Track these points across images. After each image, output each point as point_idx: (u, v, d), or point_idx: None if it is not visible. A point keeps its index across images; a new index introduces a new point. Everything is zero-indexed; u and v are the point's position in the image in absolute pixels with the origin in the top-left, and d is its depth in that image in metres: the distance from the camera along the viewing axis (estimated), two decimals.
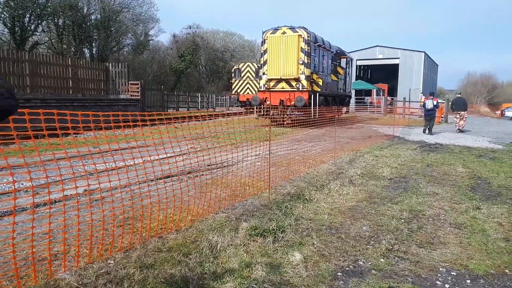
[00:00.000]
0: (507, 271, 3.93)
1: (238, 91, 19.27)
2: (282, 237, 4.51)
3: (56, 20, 35.65)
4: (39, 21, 34.29)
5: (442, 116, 27.44)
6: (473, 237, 4.81)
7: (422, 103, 20.36)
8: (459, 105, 19.68)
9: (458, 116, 19.66)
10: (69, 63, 20.23)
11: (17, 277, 2.89)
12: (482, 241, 4.66)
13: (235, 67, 19.69)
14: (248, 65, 25.28)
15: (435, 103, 18.13)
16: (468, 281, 3.70)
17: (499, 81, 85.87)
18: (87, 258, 3.42)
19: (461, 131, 19.34)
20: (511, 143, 15.37)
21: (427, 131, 18.16)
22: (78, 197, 4.65)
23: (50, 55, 21.52)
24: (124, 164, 4.89)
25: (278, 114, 17.25)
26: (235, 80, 19.39)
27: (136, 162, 6.81)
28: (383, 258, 4.14)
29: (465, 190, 7.16)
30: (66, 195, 5.42)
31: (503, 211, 5.91)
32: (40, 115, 2.99)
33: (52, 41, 36.61)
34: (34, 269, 3.09)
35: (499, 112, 46.71)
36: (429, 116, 18.15)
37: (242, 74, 19.34)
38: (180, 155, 7.71)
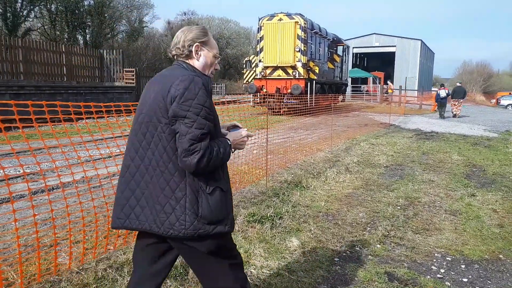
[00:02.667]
0: (501, 256, 4.00)
1: (249, 80, 19.52)
2: (280, 223, 4.55)
3: (48, 6, 35.06)
4: (31, 7, 33.73)
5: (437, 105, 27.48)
6: (468, 223, 4.88)
7: (436, 94, 23.49)
8: (459, 93, 21.49)
9: (456, 103, 21.64)
10: (63, 50, 19.98)
11: (19, 260, 2.90)
12: (476, 227, 4.73)
13: (246, 59, 19.82)
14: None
15: (447, 92, 21.35)
16: (463, 266, 3.76)
17: (495, 69, 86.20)
18: (86, 243, 3.43)
19: (458, 115, 21.51)
20: (506, 131, 15.48)
21: (442, 115, 20.99)
22: (77, 184, 4.65)
23: (43, 42, 21.22)
24: (120, 150, 4.87)
25: (274, 102, 17.20)
26: (246, 71, 19.39)
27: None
28: (380, 244, 4.19)
29: (460, 178, 7.24)
30: (64, 182, 5.42)
31: (497, 198, 5.99)
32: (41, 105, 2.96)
33: (45, 27, 36.08)
34: (39, 256, 3.10)
35: (494, 100, 46.92)
36: (442, 103, 21.26)
37: (253, 66, 19.38)
38: None
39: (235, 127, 2.15)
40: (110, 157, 5.74)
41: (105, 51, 23.41)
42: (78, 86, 18.97)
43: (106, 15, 38.96)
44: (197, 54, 2.03)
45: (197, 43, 2.00)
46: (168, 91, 1.84)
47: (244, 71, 19.74)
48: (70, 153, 7.27)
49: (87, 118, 3.54)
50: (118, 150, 5.63)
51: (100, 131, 4.19)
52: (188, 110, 1.80)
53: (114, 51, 23.80)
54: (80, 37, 39.18)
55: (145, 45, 45.68)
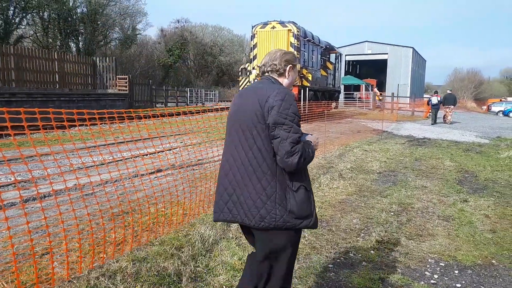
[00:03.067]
0: (493, 261, 4.02)
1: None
2: None
3: (41, 13, 34.95)
4: (24, 14, 33.62)
5: (430, 111, 27.75)
6: (461, 229, 4.91)
7: (428, 100, 24.90)
8: (450, 100, 22.26)
9: (447, 110, 22.34)
10: (55, 57, 19.91)
11: (15, 270, 2.86)
12: (469, 233, 4.76)
13: (241, 67, 19.90)
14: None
15: (439, 99, 22.37)
16: (456, 272, 3.78)
17: (485, 77, 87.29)
18: (78, 252, 3.40)
19: (450, 122, 22.20)
20: (497, 137, 15.65)
21: (433, 121, 21.88)
22: (69, 192, 4.61)
23: (35, 49, 21.14)
24: (112, 157, 4.86)
25: None
26: (242, 78, 19.47)
27: (125, 156, 6.77)
28: (374, 250, 4.20)
29: (452, 183, 7.29)
30: (56, 190, 5.38)
31: (489, 203, 6.03)
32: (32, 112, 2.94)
33: (37, 34, 35.92)
34: (35, 265, 3.07)
35: (485, 107, 47.46)
36: (435, 109, 22.16)
37: (248, 73, 19.47)
38: (170, 149, 7.68)
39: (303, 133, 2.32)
40: (103, 164, 5.71)
41: (98, 59, 23.36)
42: (70, 93, 18.88)
43: (99, 22, 38.93)
44: (288, 74, 2.39)
45: (290, 65, 2.37)
46: (266, 101, 2.13)
47: (239, 79, 19.81)
48: (63, 160, 7.23)
49: (80, 125, 3.52)
50: (111, 157, 5.61)
51: (93, 138, 4.18)
52: (286, 118, 2.10)
53: (107, 58, 23.76)
54: (72, 44, 39.05)
55: (138, 52, 45.66)
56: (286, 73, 2.37)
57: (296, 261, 3.79)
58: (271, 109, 2.11)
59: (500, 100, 46.49)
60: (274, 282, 2.29)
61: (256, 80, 18.69)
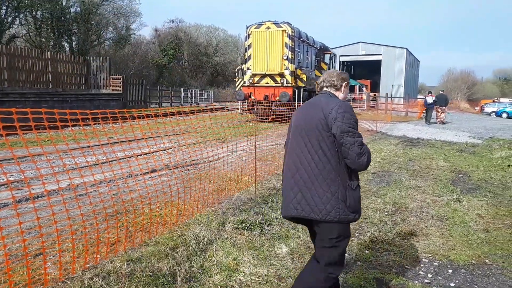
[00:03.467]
0: (487, 261, 4.05)
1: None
2: (269, 230, 4.54)
3: (34, 13, 34.68)
4: (16, 14, 33.33)
5: (424, 111, 27.93)
6: (454, 228, 4.94)
7: (424, 100, 25.33)
8: (442, 101, 22.80)
9: (439, 110, 22.79)
10: (48, 57, 19.75)
11: (8, 271, 2.84)
12: (463, 233, 4.79)
13: (238, 68, 19.88)
14: None
15: (434, 98, 22.81)
16: (450, 271, 3.80)
17: (478, 77, 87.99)
18: (71, 252, 3.37)
19: (442, 122, 22.61)
20: (490, 138, 15.77)
21: (428, 120, 22.65)
22: (62, 192, 4.58)
23: (28, 49, 20.97)
24: (106, 158, 4.83)
25: (262, 109, 17.25)
26: (238, 79, 19.44)
27: (119, 157, 6.74)
28: (368, 250, 4.21)
29: (446, 184, 7.33)
30: (49, 190, 5.34)
31: (482, 203, 6.08)
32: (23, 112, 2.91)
33: (30, 34, 35.62)
34: (27, 265, 3.04)
35: (478, 108, 47.85)
36: (429, 108, 22.93)
37: (243, 74, 19.45)
38: (164, 149, 7.66)
39: None
40: (97, 164, 5.68)
41: (91, 58, 23.23)
42: (64, 94, 18.75)
43: (92, 22, 38.71)
44: (343, 89, 2.80)
45: (345, 82, 2.80)
46: (329, 113, 2.51)
47: (236, 79, 19.79)
48: (56, 160, 7.17)
49: (73, 125, 3.50)
50: (105, 158, 5.58)
51: (86, 138, 4.15)
52: (350, 126, 2.48)
53: (101, 58, 23.63)
54: (66, 44, 38.79)
55: (132, 52, 45.47)
56: (342, 89, 2.80)
57: (291, 261, 3.81)
58: (334, 120, 2.49)
59: (493, 101, 46.93)
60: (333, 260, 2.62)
61: (250, 81, 18.72)
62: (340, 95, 2.79)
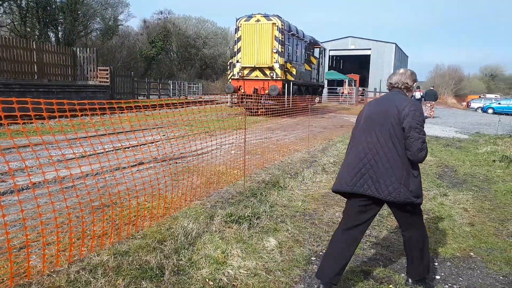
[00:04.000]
0: (471, 254, 4.12)
1: None
2: (257, 223, 4.54)
3: (18, 2, 33.95)
4: (1, 2, 32.58)
5: None
6: (441, 222, 5.00)
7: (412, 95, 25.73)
8: (431, 96, 23.60)
9: (428, 106, 23.36)
10: (34, 47, 19.36)
11: None
12: (449, 226, 4.85)
13: (230, 61, 19.73)
14: None
15: (422, 94, 23.53)
16: (436, 264, 3.85)
17: (465, 73, 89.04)
18: (57, 245, 3.32)
19: (432, 117, 23.23)
20: (476, 133, 16.01)
21: None
22: (48, 184, 4.51)
23: (12, 38, 20.51)
24: (93, 150, 4.76)
25: (252, 102, 17.20)
26: (230, 72, 19.31)
27: (107, 149, 6.66)
28: None
29: (433, 178, 7.42)
30: (35, 182, 5.25)
31: (468, 197, 6.17)
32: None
33: (15, 23, 34.87)
34: (10, 259, 2.98)
35: (465, 103, 48.48)
36: None
37: (233, 67, 19.32)
38: (152, 142, 7.59)
39: None
40: (84, 156, 5.60)
41: (78, 49, 22.86)
42: (49, 85, 18.43)
43: (79, 12, 38.04)
44: (412, 89, 3.22)
45: (415, 81, 3.21)
46: (403, 109, 2.91)
47: (228, 73, 19.66)
48: (41, 152, 7.06)
49: (59, 116, 3.42)
50: (92, 150, 5.50)
51: (73, 129, 4.07)
52: (418, 123, 2.89)
53: (88, 49, 23.27)
54: (52, 34, 38.06)
55: (119, 43, 44.86)
56: (412, 88, 3.22)
57: (279, 254, 3.81)
58: (406, 116, 2.89)
59: (479, 97, 47.55)
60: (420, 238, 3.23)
61: (240, 74, 18.63)
62: (409, 94, 3.20)
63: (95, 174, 5.84)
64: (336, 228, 3.28)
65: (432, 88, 25.46)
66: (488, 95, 52.55)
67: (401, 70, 3.22)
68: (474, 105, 41.62)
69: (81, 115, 3.73)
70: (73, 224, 3.62)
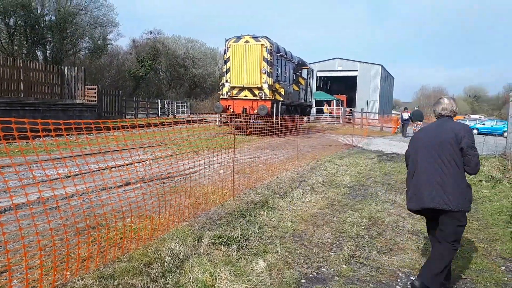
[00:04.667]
0: (461, 275, 4.10)
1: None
2: (246, 245, 4.47)
3: (6, 20, 33.88)
4: None
5: (398, 127, 28.61)
6: (430, 243, 4.98)
7: (399, 115, 27.61)
8: (417, 116, 24.39)
9: (415, 126, 24.31)
10: (21, 65, 19.24)
11: None
12: None
13: (222, 82, 19.87)
14: None
15: (409, 114, 24.92)
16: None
17: (450, 94, 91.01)
18: (39, 269, 3.20)
19: None
20: None
21: (404, 134, 24.64)
22: (31, 205, 4.39)
23: None
24: (79, 170, 4.68)
25: (241, 122, 17.24)
26: (221, 92, 19.42)
27: (93, 169, 6.55)
28: (345, 265, 4.20)
29: None
30: (17, 203, 5.11)
31: None
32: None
33: (2, 42, 34.71)
34: None
35: None
36: (405, 123, 25.05)
37: (221, 86, 19.43)
38: (139, 162, 7.50)
39: None
40: (69, 176, 5.49)
41: (66, 68, 22.77)
42: (36, 103, 18.24)
43: (68, 31, 38.08)
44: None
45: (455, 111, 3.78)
46: (459, 132, 3.48)
47: (220, 93, 19.75)
48: (25, 172, 6.91)
49: (44, 135, 3.36)
50: (77, 170, 5.40)
51: (58, 149, 4.00)
52: (472, 143, 3.47)
53: (76, 68, 23.20)
54: (39, 52, 37.94)
55: (108, 62, 44.87)
56: (455, 114, 3.80)
57: (268, 276, 3.74)
58: (463, 137, 3.45)
59: (464, 118, 48.48)
60: (453, 244, 3.57)
61: (229, 93, 18.71)
62: (453, 119, 3.74)
63: (81, 195, 5.72)
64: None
65: (417, 108, 26.53)
66: (472, 116, 53.66)
67: (446, 100, 3.75)
68: None
69: (67, 135, 3.67)
70: (57, 247, 3.51)
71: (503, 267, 4.37)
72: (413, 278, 3.95)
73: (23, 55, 34.45)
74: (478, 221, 6.15)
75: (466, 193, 3.45)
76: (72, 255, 3.67)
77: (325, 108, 41.45)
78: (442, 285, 3.60)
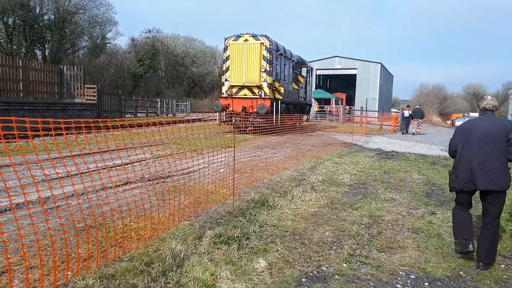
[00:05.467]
0: (461, 273, 4.11)
1: None
2: (247, 244, 4.47)
3: (5, 19, 33.80)
4: None
5: (397, 125, 28.61)
6: (430, 241, 5.00)
7: (399, 113, 28.44)
8: (418, 114, 25.39)
9: (416, 123, 25.37)
10: (20, 65, 19.21)
11: None
12: (438, 245, 4.85)
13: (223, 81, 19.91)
14: None
15: (410, 112, 25.48)
16: (426, 284, 3.83)
17: (449, 92, 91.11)
18: (40, 269, 3.20)
19: (419, 133, 25.31)
20: None
21: (404, 131, 25.40)
22: (31, 205, 4.39)
23: None
24: (77, 169, 4.67)
25: (240, 120, 17.23)
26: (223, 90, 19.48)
27: (93, 168, 6.54)
28: (346, 263, 4.20)
29: (421, 196, 7.46)
30: (18, 203, 5.10)
31: None
32: None
33: (1, 41, 34.64)
34: None
35: (450, 121, 49.33)
36: (406, 121, 25.72)
37: (221, 85, 19.45)
38: (140, 161, 7.49)
39: None
40: (68, 176, 5.48)
41: (65, 67, 22.75)
42: (35, 102, 18.21)
43: (67, 30, 38.00)
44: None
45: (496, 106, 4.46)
46: (507, 126, 4.14)
47: (220, 91, 19.77)
48: (24, 172, 6.90)
49: (44, 135, 3.35)
50: (75, 169, 5.39)
51: (58, 148, 3.99)
52: None
53: (75, 67, 23.18)
54: (38, 52, 37.86)
55: (107, 61, 44.77)
56: (496, 109, 4.45)
57: (269, 275, 3.74)
58: (510, 131, 4.12)
59: (463, 115, 48.48)
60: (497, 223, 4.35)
61: (228, 92, 18.70)
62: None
63: (81, 194, 5.71)
64: (454, 208, 4.63)
65: (418, 106, 27.32)
66: (471, 114, 53.62)
67: (489, 97, 4.39)
68: (458, 123, 42.23)
69: (67, 134, 3.66)
70: (57, 247, 3.51)
71: (503, 265, 4.38)
72: (413, 277, 3.96)
73: (22, 54, 34.39)
74: (478, 218, 6.15)
75: (509, 176, 4.22)
76: (73, 255, 3.67)
77: (316, 107, 41.58)
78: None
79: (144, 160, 7.58)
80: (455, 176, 4.38)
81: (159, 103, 35.70)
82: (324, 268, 4.05)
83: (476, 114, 53.93)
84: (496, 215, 4.26)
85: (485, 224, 4.30)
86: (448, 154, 11.44)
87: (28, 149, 8.75)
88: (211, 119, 21.17)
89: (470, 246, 4.30)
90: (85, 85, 22.71)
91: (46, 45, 37.91)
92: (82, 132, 4.30)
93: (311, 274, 3.90)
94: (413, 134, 24.88)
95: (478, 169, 4.17)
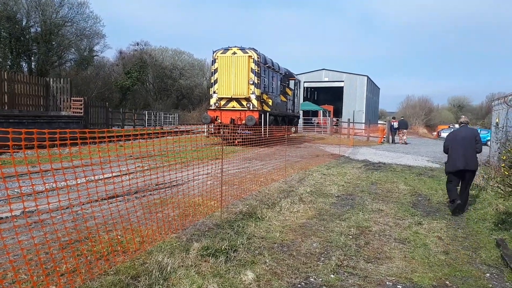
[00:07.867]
0: (447, 282, 4.15)
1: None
2: (235, 256, 4.45)
3: None
4: None
5: (384, 136, 28.95)
6: (416, 251, 5.05)
7: (388, 125, 30.51)
8: (403, 125, 28.29)
9: (401, 134, 28.10)
10: (5, 77, 18.98)
11: None
12: (424, 255, 4.90)
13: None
14: None
15: (397, 124, 28.57)
16: None
17: (435, 104, 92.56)
18: (27, 285, 3.15)
19: (405, 143, 27.53)
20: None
21: (390, 141, 28.02)
22: (16, 219, 4.31)
23: None
24: (66, 184, 4.62)
25: (229, 132, 17.24)
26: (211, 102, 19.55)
27: (79, 182, 6.46)
28: (333, 274, 4.21)
29: (407, 207, 7.54)
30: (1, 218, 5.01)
31: (442, 226, 6.28)
32: None
33: None
34: None
35: (435, 133, 50.05)
36: (394, 132, 28.62)
37: (210, 97, 19.51)
38: (126, 174, 7.43)
39: None
40: (53, 190, 5.41)
41: (51, 79, 22.54)
42: (20, 115, 17.96)
43: (54, 43, 37.78)
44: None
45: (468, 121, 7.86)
46: (475, 133, 7.38)
47: (211, 101, 19.79)
48: (12, 183, 6.78)
49: (29, 147, 3.33)
50: (65, 184, 5.32)
51: (37, 160, 3.95)
52: (480, 139, 7.32)
53: (62, 79, 22.99)
54: (24, 64, 37.50)
55: (95, 74, 44.54)
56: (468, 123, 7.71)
57: (257, 287, 3.73)
58: (477, 135, 7.29)
59: (449, 127, 49.30)
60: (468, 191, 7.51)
61: (217, 104, 18.75)
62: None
63: (66, 208, 5.64)
64: (447, 183, 7.53)
65: (402, 118, 30.88)
66: (456, 125, 54.53)
67: (463, 117, 7.82)
68: (444, 134, 42.96)
69: (52, 147, 3.63)
70: (42, 262, 3.45)
71: (488, 274, 4.44)
72: (400, 287, 3.99)
73: (8, 67, 34.01)
74: (463, 229, 6.24)
75: (476, 162, 7.23)
76: (57, 269, 3.61)
77: (327, 120, 41.84)
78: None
79: (131, 173, 7.51)
80: (448, 164, 7.37)
81: (146, 116, 35.54)
82: (312, 280, 4.05)
83: (457, 125, 54.96)
84: (468, 184, 7.33)
85: (463, 188, 7.33)
86: (434, 165, 13.52)
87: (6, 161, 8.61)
88: (199, 131, 21.12)
89: (458, 201, 7.03)
90: (72, 98, 22.50)
91: (32, 58, 37.61)
92: (67, 143, 4.26)
93: (299, 285, 3.90)
94: (398, 143, 27.47)
95: (461, 157, 7.12)
